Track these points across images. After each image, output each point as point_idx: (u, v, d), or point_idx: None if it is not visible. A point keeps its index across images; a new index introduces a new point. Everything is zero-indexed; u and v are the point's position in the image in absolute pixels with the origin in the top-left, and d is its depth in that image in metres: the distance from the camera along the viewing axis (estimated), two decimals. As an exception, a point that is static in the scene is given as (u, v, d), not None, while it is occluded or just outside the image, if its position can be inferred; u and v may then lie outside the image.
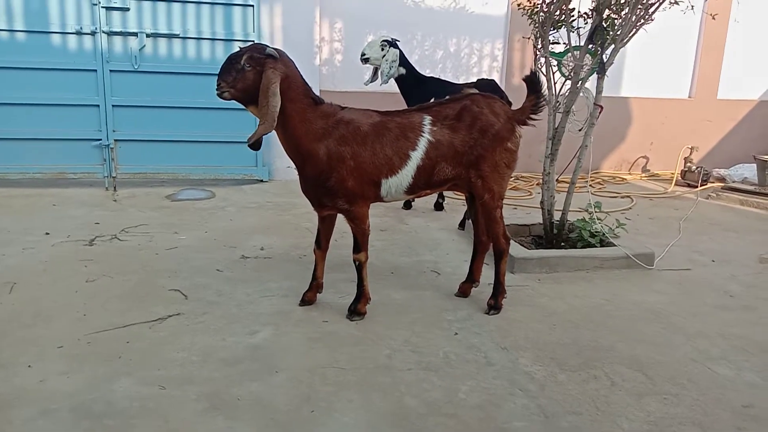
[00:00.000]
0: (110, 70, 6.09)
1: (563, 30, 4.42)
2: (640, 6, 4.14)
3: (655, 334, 3.18)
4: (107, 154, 6.20)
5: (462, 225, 5.08)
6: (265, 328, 3.07)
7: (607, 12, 4.17)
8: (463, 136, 3.09)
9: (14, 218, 4.97)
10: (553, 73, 4.46)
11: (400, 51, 5.37)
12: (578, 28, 4.39)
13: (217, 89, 2.87)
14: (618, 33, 4.12)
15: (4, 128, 6.00)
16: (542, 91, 3.25)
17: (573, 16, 4.38)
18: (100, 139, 6.19)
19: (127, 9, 6.00)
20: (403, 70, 5.38)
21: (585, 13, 4.33)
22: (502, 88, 7.08)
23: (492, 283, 3.45)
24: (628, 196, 6.57)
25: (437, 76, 5.92)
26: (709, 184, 7.14)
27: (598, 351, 2.96)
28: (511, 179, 6.99)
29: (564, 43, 4.39)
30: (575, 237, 4.44)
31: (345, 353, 2.84)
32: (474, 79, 7.17)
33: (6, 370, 2.59)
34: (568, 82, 4.36)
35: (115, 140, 6.23)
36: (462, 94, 3.26)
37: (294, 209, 5.44)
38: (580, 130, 4.40)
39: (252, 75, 2.81)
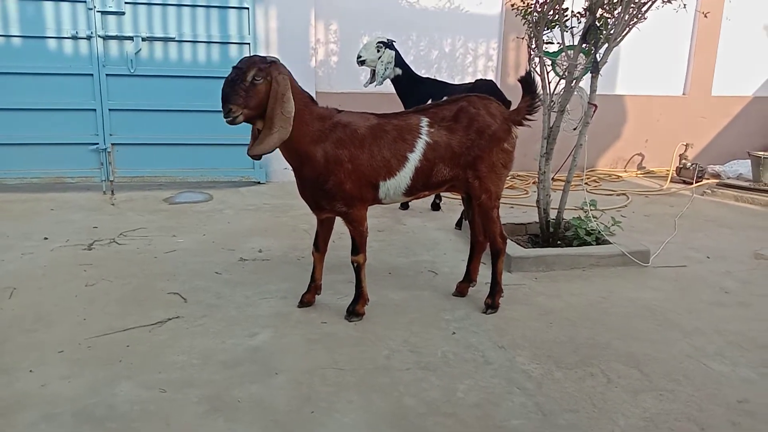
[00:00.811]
0: (106, 74, 6.10)
1: (557, 30, 4.44)
2: (632, 5, 4.17)
3: (651, 331, 3.21)
4: (104, 158, 6.22)
5: (459, 225, 5.11)
6: (264, 330, 3.09)
7: (600, 11, 4.20)
8: (460, 138, 3.12)
9: (13, 223, 4.98)
10: (548, 73, 4.49)
11: (397, 52, 5.39)
12: (572, 27, 4.42)
13: (227, 116, 2.75)
14: (611, 32, 4.14)
15: (3, 133, 6.01)
16: (537, 92, 3.28)
17: (566, 15, 4.41)
18: (97, 143, 6.20)
19: (123, 13, 6.01)
20: (399, 71, 5.38)
21: (578, 12, 4.36)
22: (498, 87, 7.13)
23: (489, 282, 3.48)
24: (623, 194, 6.61)
25: (433, 77, 5.94)
26: (704, 181, 7.17)
27: (594, 348, 2.98)
28: (508, 178, 7.05)
29: (558, 43, 4.41)
30: (571, 235, 4.46)
31: (344, 354, 2.87)
32: (469, 79, 7.24)
33: (8, 375, 2.61)
34: (563, 82, 4.39)
35: (112, 144, 6.24)
36: (458, 96, 3.27)
37: (291, 211, 5.46)
38: (574, 129, 4.42)
39: (263, 87, 2.76)
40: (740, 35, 8.09)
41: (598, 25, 4.18)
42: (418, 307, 3.44)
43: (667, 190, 6.94)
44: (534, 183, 6.83)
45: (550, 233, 4.51)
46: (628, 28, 4.24)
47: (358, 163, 2.97)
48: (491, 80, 5.30)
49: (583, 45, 4.25)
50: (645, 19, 4.34)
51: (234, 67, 2.79)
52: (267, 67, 2.78)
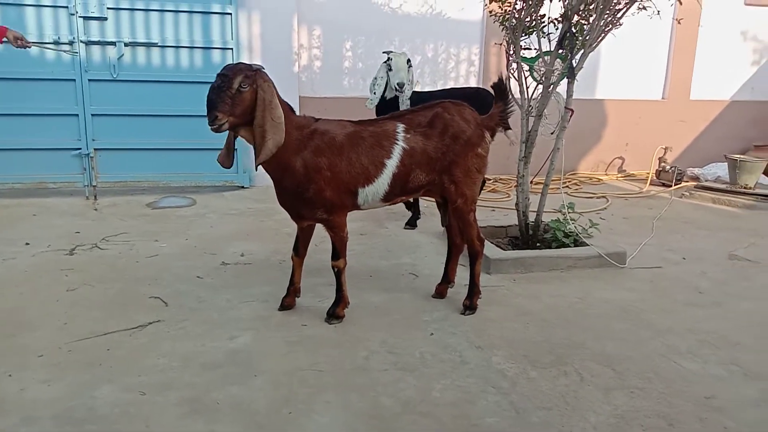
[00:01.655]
0: (89, 80, 6.10)
1: (534, 36, 4.52)
2: (607, 12, 4.26)
3: (626, 331, 3.28)
4: (87, 163, 6.21)
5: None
6: (245, 333, 3.12)
7: (576, 18, 4.29)
8: (435, 143, 3.16)
9: (-6, 229, 4.97)
10: (526, 78, 4.57)
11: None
12: (549, 33, 4.50)
13: (212, 123, 2.75)
14: (587, 38, 4.23)
15: (-17, 139, 6.00)
16: (510, 98, 3.35)
17: (543, 22, 4.49)
18: (80, 149, 6.19)
19: (105, 18, 6.03)
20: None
21: (555, 19, 4.45)
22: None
23: (468, 284, 3.54)
24: (603, 197, 6.71)
25: (430, 90, 5.97)
26: (683, 184, 7.29)
27: (569, 348, 3.05)
28: (490, 181, 7.14)
29: (535, 49, 4.49)
30: (550, 237, 4.54)
31: (323, 356, 2.91)
32: (452, 84, 7.33)
33: (-13, 379, 2.62)
34: (540, 87, 4.47)
35: (95, 149, 6.24)
36: (433, 102, 3.32)
37: (274, 215, 5.49)
38: (552, 133, 4.50)
39: (249, 95, 2.78)
40: (717, 40, 8.24)
41: (574, 31, 4.26)
42: (398, 309, 3.49)
43: (646, 193, 7.05)
44: (516, 186, 6.91)
45: (529, 236, 4.58)
46: (603, 34, 4.34)
47: (337, 170, 3.00)
48: (483, 88, 5.32)
49: (560, 51, 4.34)
50: (620, 25, 4.44)
51: (219, 74, 2.78)
52: (253, 74, 2.80)
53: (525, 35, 4.50)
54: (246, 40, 6.49)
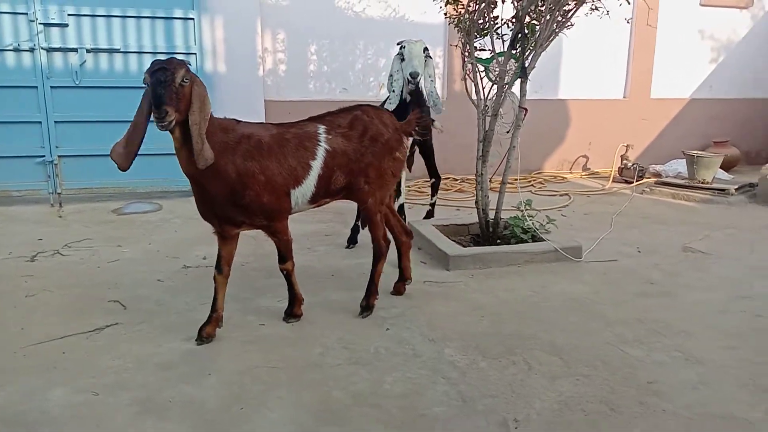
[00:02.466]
0: (51, 87, 6.07)
1: (489, 37, 4.62)
2: (558, 13, 4.37)
3: (577, 322, 3.37)
4: (51, 170, 6.17)
5: (352, 241, 4.84)
6: (202, 334, 3.15)
7: (527, 19, 4.39)
8: (355, 145, 3.19)
9: (-46, 238, 4.92)
10: (481, 79, 4.66)
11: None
12: (503, 34, 4.60)
13: (164, 120, 2.56)
14: (538, 38, 4.33)
15: (-56, 148, 5.93)
16: (425, 106, 3.44)
17: (497, 23, 4.59)
18: (44, 156, 6.15)
19: (66, 25, 6.00)
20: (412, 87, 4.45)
21: (508, 20, 4.55)
22: (443, 94, 7.32)
23: (429, 281, 3.59)
24: (566, 194, 6.83)
25: None
26: (644, 180, 7.45)
27: (520, 339, 3.13)
28: (456, 182, 7.24)
29: (489, 50, 4.59)
30: (509, 234, 4.63)
31: (278, 354, 2.95)
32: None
33: (-62, 386, 2.62)
34: (496, 87, 4.56)
35: (59, 156, 6.20)
36: (352, 105, 3.35)
37: (240, 218, 5.50)
38: (507, 132, 4.59)
39: (188, 90, 2.65)
40: (676, 40, 8.45)
41: (526, 32, 4.37)
42: (357, 307, 3.53)
43: (608, 190, 7.20)
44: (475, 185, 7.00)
45: (489, 233, 4.67)
46: (554, 35, 4.45)
47: (269, 173, 2.94)
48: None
49: (513, 51, 4.44)
50: (571, 25, 4.56)
51: (159, 68, 2.62)
52: (190, 69, 2.70)
53: (479, 36, 4.60)
54: (209, 45, 6.50)
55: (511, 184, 4.79)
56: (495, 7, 4.61)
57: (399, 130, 3.36)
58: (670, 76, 8.53)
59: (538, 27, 4.37)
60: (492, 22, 4.54)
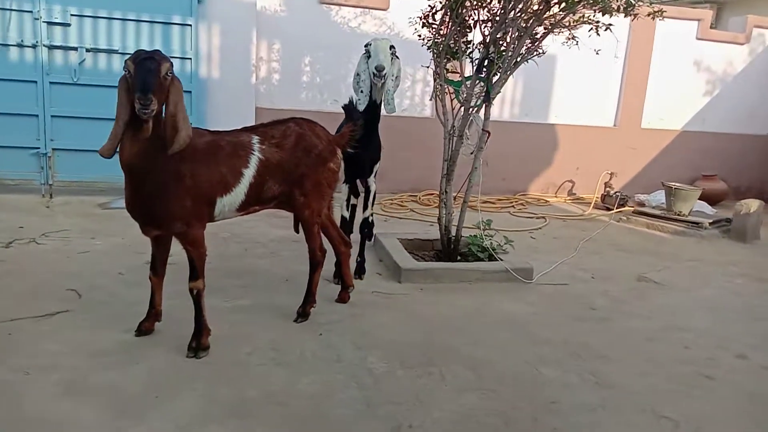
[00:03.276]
0: (50, 82, 6.34)
1: (463, 59, 4.78)
2: (527, 41, 4.53)
3: (505, 340, 3.49)
4: (45, 162, 6.43)
5: (370, 237, 5.21)
6: (144, 326, 3.33)
7: (499, 44, 4.53)
8: (288, 155, 3.29)
9: (-59, 221, 5.18)
10: (452, 100, 4.82)
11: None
12: (475, 59, 4.76)
13: (148, 107, 2.58)
14: (503, 64, 4.48)
15: (-56, 135, 6.22)
16: (358, 120, 3.58)
17: (469, 47, 4.75)
18: (38, 148, 6.41)
19: (69, 24, 6.27)
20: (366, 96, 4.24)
21: (478, 44, 4.71)
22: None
23: (378, 291, 3.72)
24: (542, 217, 6.94)
25: None
26: (624, 208, 7.53)
27: (444, 351, 3.26)
28: (428, 197, 7.37)
29: (456, 72, 4.75)
30: (468, 252, 4.77)
31: (210, 351, 3.10)
32: (407, 103, 7.60)
33: None
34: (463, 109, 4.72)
35: (53, 149, 6.46)
36: (286, 118, 3.46)
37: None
38: (471, 153, 4.74)
39: (168, 84, 2.71)
40: (670, 72, 8.55)
41: (493, 57, 4.52)
42: (299, 312, 3.69)
43: (587, 216, 7.29)
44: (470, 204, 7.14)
45: (450, 249, 4.81)
46: (523, 61, 4.60)
47: (198, 179, 2.94)
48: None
49: (479, 75, 4.59)
50: (542, 53, 4.71)
51: (148, 57, 2.66)
52: (172, 64, 2.75)
53: (451, 59, 4.76)
54: (205, 51, 6.75)
55: (473, 203, 4.91)
56: (470, 32, 4.79)
57: (332, 142, 3.50)
58: (662, 107, 8.63)
59: (504, 50, 4.51)
60: (464, 46, 4.71)
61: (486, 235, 4.79)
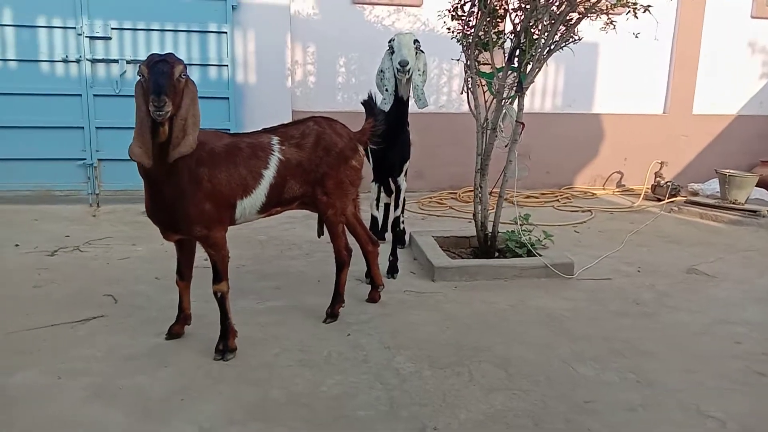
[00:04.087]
0: (94, 95, 6.53)
1: (495, 50, 4.66)
2: (561, 27, 4.36)
3: (540, 337, 3.36)
4: (91, 172, 6.64)
5: (401, 241, 5.03)
6: (174, 329, 3.36)
7: (524, 35, 4.38)
8: (309, 155, 3.23)
9: (-5, 232, 5.40)
10: (484, 93, 4.70)
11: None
12: (506, 49, 4.63)
13: (162, 110, 2.58)
14: (535, 54, 4.33)
15: (-1, 149, 6.50)
16: (378, 115, 3.48)
17: (501, 38, 4.63)
18: (85, 159, 6.63)
19: (109, 38, 6.46)
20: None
21: (509, 34, 4.57)
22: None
23: (410, 290, 3.65)
24: (589, 210, 6.70)
25: None
26: (675, 198, 7.19)
27: (474, 351, 3.16)
28: (466, 193, 7.23)
29: (487, 63, 4.62)
30: (506, 248, 4.63)
31: (238, 352, 3.09)
32: (444, 99, 7.50)
33: (-72, 362, 2.94)
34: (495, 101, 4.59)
35: (99, 159, 6.66)
36: (305, 118, 3.43)
37: (255, 223, 5.73)
38: (506, 146, 4.60)
39: (182, 87, 2.69)
40: (722, 53, 8.13)
41: (524, 48, 4.37)
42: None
43: (636, 208, 6.99)
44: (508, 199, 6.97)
45: (487, 246, 4.69)
46: (557, 48, 4.43)
47: (216, 182, 2.92)
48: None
49: (511, 65, 4.45)
50: (578, 39, 4.54)
51: (159, 60, 2.65)
52: (186, 66, 2.72)
53: (481, 51, 4.64)
54: (241, 57, 6.82)
55: (510, 198, 4.77)
56: (500, 22, 4.66)
57: (353, 139, 3.44)
58: (714, 91, 8.21)
59: (537, 39, 4.36)
60: (495, 36, 4.59)
61: (524, 230, 4.64)
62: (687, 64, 8.04)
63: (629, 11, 4.30)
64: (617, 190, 8.07)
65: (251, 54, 6.89)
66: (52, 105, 6.50)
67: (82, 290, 3.96)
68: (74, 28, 6.39)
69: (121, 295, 3.88)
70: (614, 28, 4.47)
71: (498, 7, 4.56)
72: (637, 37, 4.61)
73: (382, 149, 3.75)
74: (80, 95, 6.53)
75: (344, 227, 3.54)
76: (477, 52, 4.65)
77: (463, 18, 4.65)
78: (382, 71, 4.20)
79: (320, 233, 3.69)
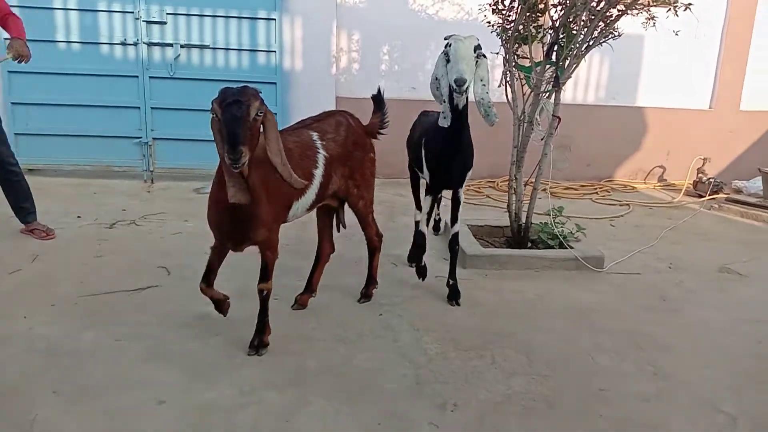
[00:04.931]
0: (150, 77, 6.89)
1: (534, 44, 4.75)
2: (599, 23, 4.42)
3: (563, 327, 3.51)
4: (146, 150, 7.01)
5: (437, 228, 5.28)
6: (222, 301, 3.62)
7: (563, 31, 4.46)
8: (342, 149, 3.33)
9: (59, 203, 5.78)
10: (522, 86, 4.81)
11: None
12: (544, 43, 4.71)
13: (238, 162, 2.41)
14: (573, 48, 4.41)
15: (61, 126, 6.91)
16: (385, 109, 3.58)
17: (540, 32, 4.71)
18: (141, 137, 7.00)
19: (165, 23, 6.78)
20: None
21: (548, 29, 4.65)
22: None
23: (439, 276, 3.84)
24: (626, 204, 6.73)
25: None
26: (716, 195, 7.13)
27: (498, 336, 3.33)
28: (505, 183, 7.32)
29: (526, 57, 4.72)
30: (538, 239, 4.76)
31: (279, 324, 3.30)
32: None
33: (7, 319, 3.28)
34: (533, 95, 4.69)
35: (154, 138, 7.03)
36: (329, 111, 3.50)
37: (298, 205, 6.01)
38: (542, 139, 4.70)
39: (259, 124, 2.53)
40: (775, 49, 7.96)
41: (562, 42, 4.46)
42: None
43: (676, 203, 6.98)
44: (542, 189, 7.05)
45: (520, 236, 4.83)
46: (597, 44, 4.50)
47: (275, 185, 2.80)
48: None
49: (549, 60, 4.54)
50: (618, 35, 4.59)
51: (232, 101, 2.42)
52: (262, 98, 2.54)
53: (520, 45, 4.74)
54: (288, 44, 7.06)
55: (544, 189, 4.89)
56: (540, 17, 4.75)
57: (367, 132, 3.55)
58: (764, 87, 8.04)
59: (576, 34, 4.43)
60: (534, 31, 4.68)
61: (557, 223, 4.76)
62: (736, 58, 7.90)
63: (669, 9, 4.33)
64: (658, 184, 8.04)
65: (298, 40, 7.12)
66: (112, 85, 6.89)
67: (138, 261, 4.28)
68: (132, 12, 6.74)
69: (173, 267, 4.18)
70: (654, 25, 4.52)
71: (538, 2, 4.64)
72: (677, 34, 4.64)
73: (441, 161, 3.63)
74: (137, 77, 6.89)
75: (373, 215, 3.71)
76: (516, 45, 4.75)
77: (503, 12, 4.75)
78: (437, 79, 3.58)
79: (339, 227, 3.76)
